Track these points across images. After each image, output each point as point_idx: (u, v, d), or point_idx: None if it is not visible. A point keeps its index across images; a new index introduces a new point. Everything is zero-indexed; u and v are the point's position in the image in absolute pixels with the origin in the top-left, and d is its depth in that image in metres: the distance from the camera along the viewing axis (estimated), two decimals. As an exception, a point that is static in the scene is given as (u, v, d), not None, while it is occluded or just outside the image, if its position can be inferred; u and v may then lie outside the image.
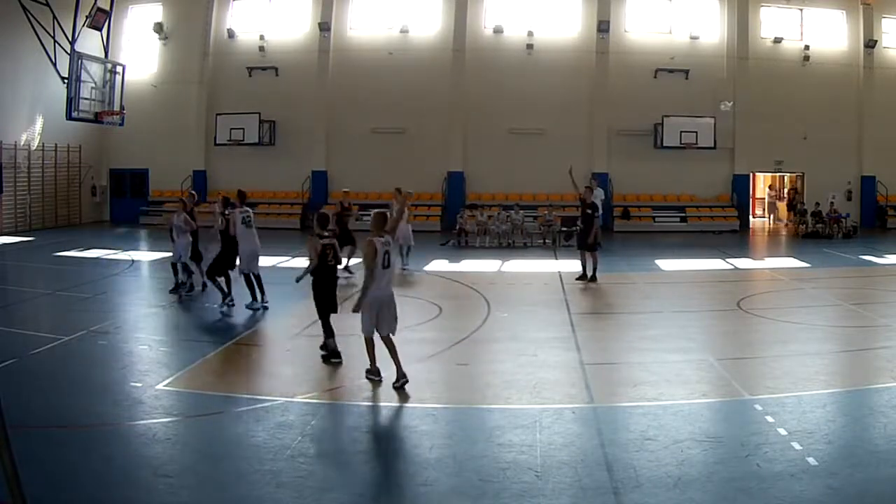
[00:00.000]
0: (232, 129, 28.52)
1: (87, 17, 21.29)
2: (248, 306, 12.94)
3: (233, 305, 13.05)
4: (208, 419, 7.60)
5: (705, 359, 9.79)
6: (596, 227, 15.83)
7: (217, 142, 28.88)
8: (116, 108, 22.60)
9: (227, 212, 13.25)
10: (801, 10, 28.76)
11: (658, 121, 27.87)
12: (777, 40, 28.53)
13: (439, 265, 18.51)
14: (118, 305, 14.23)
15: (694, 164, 28.22)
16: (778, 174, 30.94)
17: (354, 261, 16.23)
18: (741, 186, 28.86)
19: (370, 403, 8.16)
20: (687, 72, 28.15)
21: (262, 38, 29.27)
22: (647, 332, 11.55)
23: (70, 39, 20.71)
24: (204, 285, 14.20)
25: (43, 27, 20.47)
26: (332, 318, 9.72)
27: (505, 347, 10.54)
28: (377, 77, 28.40)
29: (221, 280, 13.20)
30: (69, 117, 21.28)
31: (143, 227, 28.06)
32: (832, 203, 26.75)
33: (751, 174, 29.83)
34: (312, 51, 28.95)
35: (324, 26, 28.62)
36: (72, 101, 20.77)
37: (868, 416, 7.58)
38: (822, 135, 27.88)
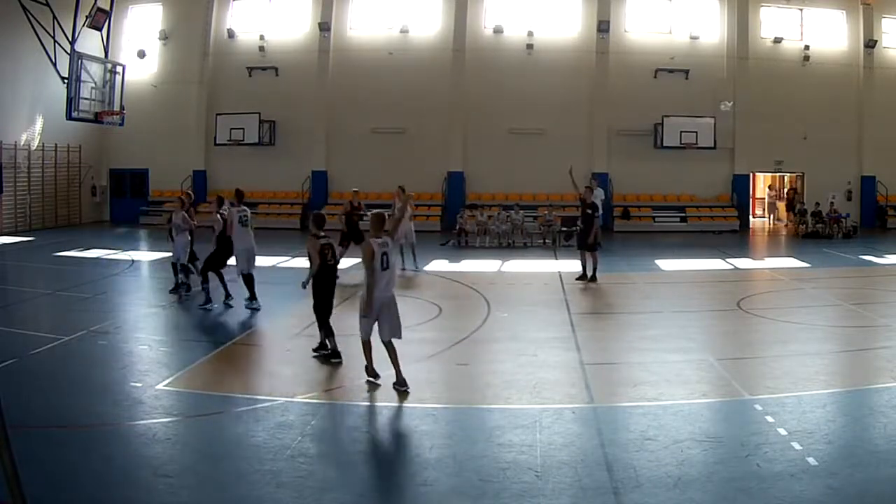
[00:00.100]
0: (232, 129, 28.51)
1: (87, 17, 21.28)
2: (247, 305, 12.97)
3: (231, 306, 13.07)
4: (208, 419, 7.61)
5: (705, 359, 9.79)
6: (596, 227, 15.83)
7: (217, 142, 28.88)
8: (116, 108, 22.60)
9: (221, 211, 13.28)
10: (801, 10, 28.75)
11: (658, 121, 27.87)
12: (777, 40, 28.53)
13: (439, 265, 18.51)
14: (118, 305, 14.22)
15: (694, 164, 28.22)
16: (778, 174, 30.94)
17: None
18: (741, 186, 28.86)
19: (370, 403, 8.16)
20: (687, 72, 28.15)
21: (262, 38, 29.27)
22: (647, 332, 11.54)
23: (70, 39, 20.71)
24: (190, 287, 14.20)
25: (43, 27, 20.46)
26: (332, 317, 9.74)
27: (505, 347, 10.54)
28: (377, 77, 28.40)
29: (215, 279, 13.21)
30: (69, 117, 21.28)
31: (143, 227, 28.06)
32: (832, 203, 26.75)
33: (751, 174, 29.83)
34: (312, 51, 28.95)
35: (324, 26, 28.62)
36: (72, 101, 20.77)
37: (868, 416, 7.58)
38: (822, 135, 27.87)
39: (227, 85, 29.55)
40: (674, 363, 9.58)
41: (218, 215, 13.23)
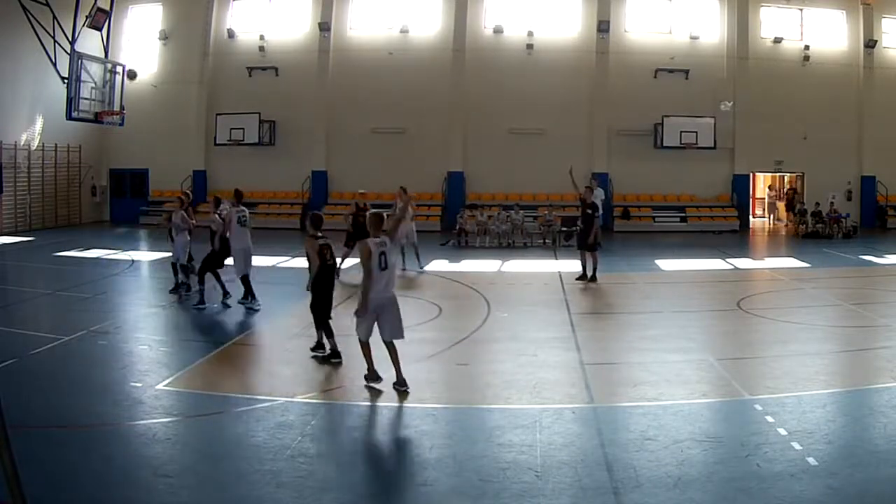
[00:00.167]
0: (232, 129, 28.52)
1: (87, 17, 21.28)
2: (246, 305, 13.00)
3: (229, 306, 13.12)
4: (208, 419, 7.60)
5: (705, 359, 9.79)
6: (596, 227, 15.83)
7: (217, 142, 28.88)
8: (116, 108, 22.60)
9: (219, 211, 13.31)
10: (801, 10, 28.76)
11: (658, 121, 27.87)
12: (777, 40, 28.53)
13: (439, 265, 18.51)
14: (118, 305, 14.22)
15: (694, 164, 28.23)
16: (778, 174, 30.94)
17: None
18: (741, 186, 28.86)
19: (370, 403, 8.15)
20: (687, 72, 28.15)
21: (262, 38, 29.27)
22: (647, 332, 11.54)
23: (70, 39, 20.71)
24: (190, 286, 14.21)
25: (43, 27, 20.46)
26: (331, 317, 9.74)
27: (505, 347, 10.54)
28: (377, 77, 28.40)
29: (211, 279, 13.24)
30: (69, 117, 21.28)
31: (143, 227, 28.05)
32: (832, 203, 26.75)
33: (751, 174, 29.84)
34: (312, 51, 28.95)
35: (324, 26, 28.62)
36: (72, 101, 20.77)
37: (868, 416, 7.58)
38: (822, 135, 27.88)
39: (227, 85, 29.55)
40: (674, 363, 9.58)
41: (216, 216, 13.26)
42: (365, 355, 8.41)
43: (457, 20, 28.39)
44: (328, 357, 9.60)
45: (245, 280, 13.06)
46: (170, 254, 14.84)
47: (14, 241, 23.25)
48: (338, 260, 12.35)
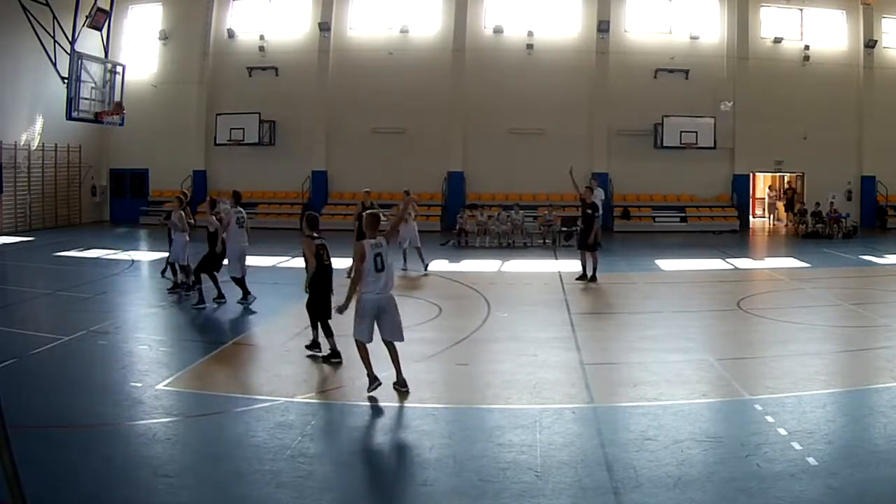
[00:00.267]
0: (232, 129, 28.52)
1: (87, 17, 21.26)
2: (244, 305, 13.03)
3: (224, 302, 13.17)
4: (208, 419, 7.61)
5: (705, 359, 9.79)
6: (596, 227, 15.83)
7: (217, 142, 28.89)
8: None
9: (216, 212, 13.36)
10: (801, 10, 28.76)
11: (658, 121, 27.87)
12: (777, 40, 28.53)
13: (439, 265, 18.51)
14: (118, 305, 14.22)
15: (694, 164, 28.23)
16: (778, 174, 30.94)
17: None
18: (741, 186, 28.87)
19: (370, 403, 8.15)
20: (687, 72, 28.16)
21: (262, 38, 29.28)
22: (647, 332, 11.54)
23: (70, 39, 20.69)
24: (189, 286, 14.22)
25: (43, 27, 20.45)
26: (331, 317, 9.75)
27: (505, 347, 10.54)
28: (377, 77, 28.41)
29: (207, 280, 13.28)
30: (69, 117, 21.28)
31: (143, 227, 28.05)
32: (832, 203, 26.75)
33: (751, 174, 29.83)
34: (312, 51, 28.95)
35: (324, 26, 28.62)
36: (72, 101, 20.76)
37: (868, 416, 7.58)
38: (822, 135, 27.87)
39: (227, 85, 29.56)
40: (674, 363, 9.58)
41: (212, 217, 13.31)
42: (362, 357, 8.24)
43: (457, 20, 28.39)
44: (328, 357, 9.60)
45: (240, 280, 13.12)
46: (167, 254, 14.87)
47: (14, 241, 23.25)
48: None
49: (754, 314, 12.90)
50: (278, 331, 11.70)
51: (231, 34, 29.49)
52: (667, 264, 19.26)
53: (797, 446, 6.58)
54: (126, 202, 30.46)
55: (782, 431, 6.95)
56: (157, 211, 27.38)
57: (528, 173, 27.67)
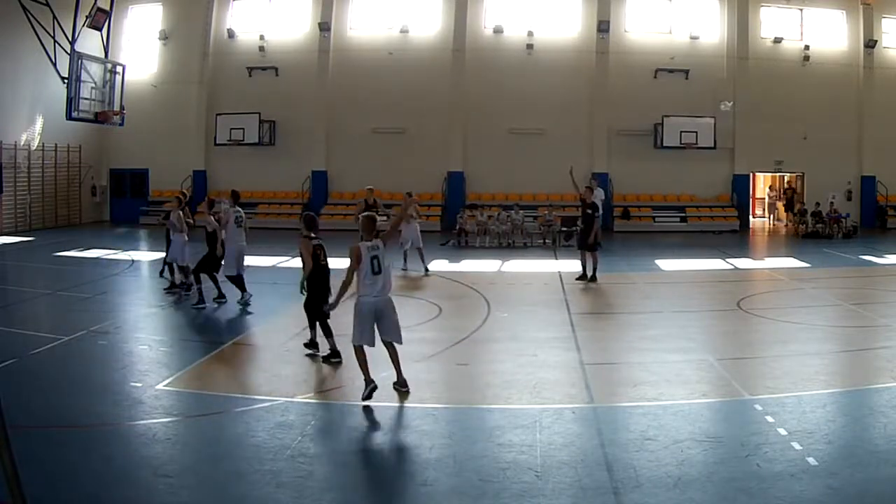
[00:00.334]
0: (232, 129, 28.51)
1: (87, 17, 21.28)
2: (239, 302, 13.07)
3: (224, 302, 13.20)
4: (208, 419, 7.61)
5: (705, 359, 9.79)
6: (596, 227, 15.83)
7: (217, 142, 28.87)
8: (116, 108, 22.59)
9: (214, 212, 13.42)
10: (801, 10, 28.75)
11: (658, 121, 27.87)
12: (777, 40, 28.53)
13: (439, 265, 18.50)
14: (118, 305, 14.23)
15: (694, 164, 28.22)
16: (778, 174, 30.94)
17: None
18: (741, 186, 28.86)
19: (370, 403, 8.14)
20: (687, 72, 28.15)
21: (262, 38, 29.26)
22: (647, 332, 11.54)
23: (70, 39, 20.71)
24: (189, 286, 14.24)
25: (43, 27, 20.46)
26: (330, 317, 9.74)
27: (505, 347, 10.54)
28: (377, 77, 28.40)
29: (208, 281, 13.30)
30: (69, 117, 21.28)
31: (143, 227, 28.05)
32: (832, 203, 26.75)
33: (751, 174, 29.83)
34: (312, 51, 28.95)
35: (324, 26, 28.62)
36: (72, 101, 20.77)
37: (868, 416, 7.58)
38: (822, 135, 27.87)
39: (227, 85, 29.55)
40: (674, 363, 9.58)
41: (210, 217, 13.35)
42: (359, 362, 8.02)
43: (457, 20, 28.39)
44: (328, 357, 9.60)
45: (237, 279, 13.19)
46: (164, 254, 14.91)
47: (14, 241, 23.25)
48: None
49: (754, 314, 12.90)
50: (278, 331, 11.69)
51: (231, 34, 29.48)
52: (667, 264, 19.25)
53: (797, 446, 6.59)
54: (126, 202, 30.45)
55: (782, 431, 6.95)
56: (156, 211, 27.38)
57: (528, 173, 27.66)
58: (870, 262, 19.89)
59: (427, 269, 17.03)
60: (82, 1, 21.19)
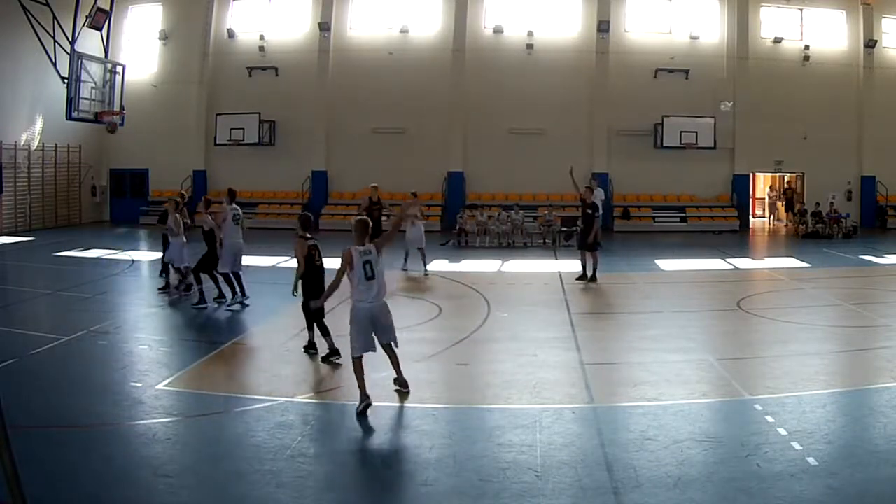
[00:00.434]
0: (232, 129, 28.50)
1: (87, 17, 21.28)
2: (239, 301, 13.07)
3: (223, 301, 13.21)
4: (208, 419, 7.61)
5: (705, 359, 9.79)
6: (596, 227, 15.83)
7: (217, 142, 28.87)
8: (116, 108, 22.59)
9: (210, 211, 13.52)
10: (801, 10, 28.75)
11: (658, 121, 27.87)
12: (777, 40, 28.53)
13: (439, 265, 18.50)
14: (118, 305, 14.23)
15: (694, 164, 28.22)
16: (778, 174, 30.94)
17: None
18: (741, 186, 28.86)
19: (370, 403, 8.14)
20: (687, 72, 28.15)
21: (262, 38, 29.26)
22: (647, 332, 11.55)
23: (70, 39, 20.71)
24: (189, 286, 14.26)
25: (43, 27, 20.46)
26: (329, 317, 9.74)
27: (505, 347, 10.54)
28: (377, 77, 28.40)
29: (208, 280, 13.31)
30: (69, 117, 21.28)
31: (143, 227, 28.04)
32: (832, 203, 26.75)
33: (751, 174, 29.83)
34: (312, 51, 28.95)
35: (324, 26, 28.62)
36: (72, 101, 20.76)
37: (868, 416, 7.58)
38: (822, 135, 27.87)
39: (227, 85, 29.55)
40: (674, 363, 9.58)
41: (207, 216, 13.39)
42: (356, 373, 7.74)
43: (457, 20, 28.39)
44: (327, 356, 9.60)
45: (236, 277, 13.22)
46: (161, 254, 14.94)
47: (14, 241, 23.25)
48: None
49: (754, 314, 12.90)
50: (278, 331, 11.69)
51: (231, 34, 29.48)
52: (667, 264, 19.25)
53: (797, 446, 6.59)
54: (126, 202, 30.45)
55: (782, 431, 6.95)
56: (156, 211, 27.40)
57: (528, 173, 27.66)
58: (870, 262, 19.89)
59: (427, 271, 17.03)
60: (82, 1, 21.19)
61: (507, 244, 23.36)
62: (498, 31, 28.64)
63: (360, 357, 7.80)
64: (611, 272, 16.78)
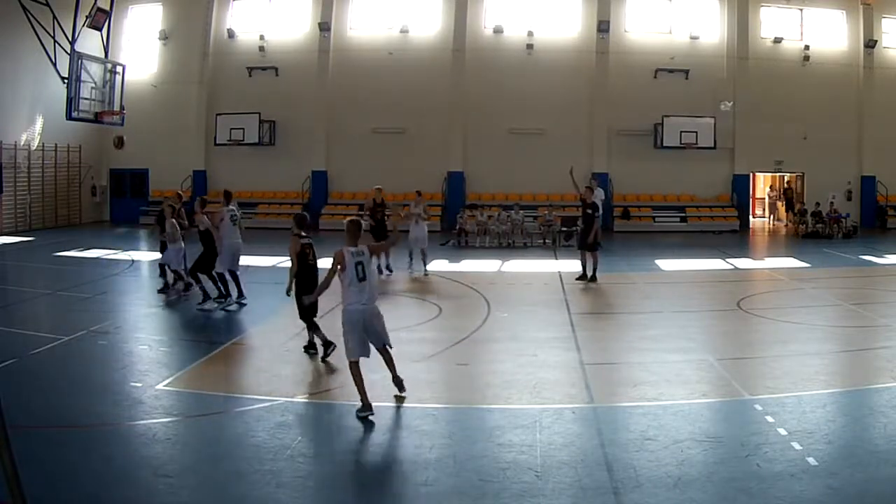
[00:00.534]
0: (232, 129, 28.50)
1: (87, 17, 21.25)
2: (236, 301, 13.10)
3: (223, 302, 13.20)
4: (208, 419, 7.61)
5: (705, 359, 9.79)
6: (596, 226, 15.83)
7: (217, 142, 28.87)
8: (116, 108, 22.57)
9: (206, 211, 13.58)
10: (801, 10, 28.75)
11: (658, 121, 27.87)
12: (777, 40, 28.53)
13: (439, 265, 18.50)
14: (118, 305, 14.23)
15: (694, 164, 28.22)
16: (778, 174, 30.94)
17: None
18: (741, 186, 28.86)
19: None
20: (687, 72, 28.15)
21: (262, 38, 29.26)
22: (647, 332, 11.55)
23: (70, 39, 20.68)
24: (188, 286, 14.27)
25: (43, 27, 20.44)
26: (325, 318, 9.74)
27: (505, 347, 10.54)
28: (377, 77, 28.40)
29: (206, 280, 13.32)
30: (69, 117, 21.27)
31: (143, 227, 28.04)
32: (832, 203, 26.76)
33: (751, 174, 29.83)
34: (312, 51, 28.95)
35: (324, 26, 28.61)
36: (72, 101, 20.75)
37: (868, 416, 7.58)
38: (822, 135, 27.87)
39: (227, 85, 29.54)
40: (674, 363, 9.58)
41: (203, 216, 13.41)
42: (355, 379, 7.62)
43: (457, 20, 28.38)
44: (324, 352, 9.61)
45: (234, 277, 13.24)
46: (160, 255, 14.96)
47: (14, 241, 23.25)
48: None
49: (754, 314, 12.90)
50: (278, 331, 11.69)
51: (231, 34, 29.48)
52: (667, 264, 19.26)
53: (797, 446, 6.59)
54: (126, 202, 30.46)
55: (782, 431, 6.95)
56: (156, 211, 27.39)
57: (528, 173, 27.65)
58: (870, 262, 19.89)
59: (427, 271, 17.03)
60: (82, 1, 21.17)
61: (507, 244, 23.36)
62: (498, 31, 28.64)
63: (356, 361, 7.69)
64: (611, 272, 16.77)
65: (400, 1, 29.02)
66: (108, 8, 21.77)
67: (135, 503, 5.80)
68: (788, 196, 30.26)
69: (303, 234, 10.00)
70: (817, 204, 26.62)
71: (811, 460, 6.29)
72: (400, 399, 8.07)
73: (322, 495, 5.99)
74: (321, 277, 9.21)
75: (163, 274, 14.89)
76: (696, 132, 27.58)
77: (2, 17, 22.22)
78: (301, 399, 8.20)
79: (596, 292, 15.30)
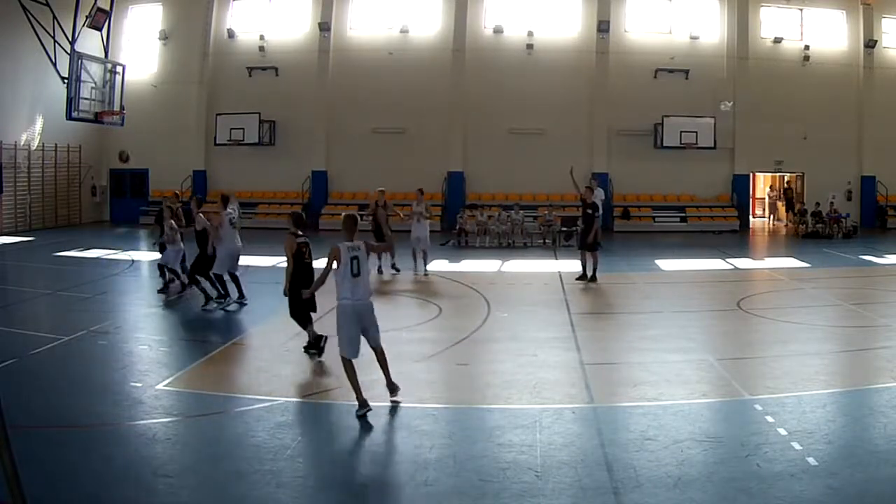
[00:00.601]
0: (232, 129, 28.52)
1: (87, 17, 21.24)
2: (220, 306, 13.11)
3: (223, 302, 13.19)
4: (208, 419, 7.60)
5: (705, 359, 9.79)
6: (596, 226, 15.83)
7: (217, 142, 28.89)
8: (116, 108, 22.57)
9: (200, 210, 13.60)
10: (801, 10, 28.77)
11: (658, 121, 27.87)
12: (777, 40, 28.54)
13: (439, 265, 18.50)
14: (118, 305, 14.23)
15: (694, 164, 28.23)
16: (778, 174, 30.95)
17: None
18: (741, 186, 28.88)
19: (370, 403, 8.13)
20: (687, 72, 28.16)
21: (262, 38, 29.28)
22: (647, 332, 11.54)
23: (70, 39, 20.67)
24: (184, 286, 14.26)
25: (43, 27, 20.43)
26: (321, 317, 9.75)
27: (505, 347, 10.54)
28: (377, 77, 28.41)
29: (205, 282, 13.33)
30: (69, 117, 21.27)
31: (143, 227, 28.03)
32: (832, 203, 26.76)
33: (751, 174, 29.84)
34: (312, 51, 28.95)
35: (324, 26, 28.62)
36: (72, 101, 20.75)
37: (868, 416, 7.58)
38: (822, 135, 27.88)
39: (227, 85, 29.55)
40: (674, 363, 9.58)
41: (200, 215, 13.42)
42: (349, 378, 7.61)
43: (457, 20, 28.39)
44: (318, 346, 9.63)
45: (234, 278, 13.26)
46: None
47: (14, 241, 23.25)
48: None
49: (754, 314, 12.90)
50: (278, 331, 11.67)
51: (231, 34, 29.48)
52: (667, 264, 19.26)
53: (797, 446, 6.58)
54: (126, 202, 30.48)
55: (782, 431, 6.95)
56: (156, 211, 27.38)
57: (528, 173, 27.66)
58: (870, 262, 19.89)
59: (427, 271, 17.03)
60: (82, 1, 21.17)
61: (507, 244, 23.36)
62: (498, 31, 28.65)
63: (350, 360, 7.67)
64: (611, 272, 16.77)
65: (400, 1, 29.02)
66: (108, 8, 21.77)
67: (135, 503, 5.80)
68: (788, 196, 30.28)
69: (299, 232, 10.00)
70: (817, 204, 26.63)
71: (811, 460, 6.29)
72: (394, 401, 7.99)
73: (322, 495, 5.99)
74: (316, 276, 9.27)
75: (162, 274, 14.91)
76: (696, 132, 27.60)
77: (2, 17, 22.22)
78: (301, 399, 8.19)
79: (596, 292, 15.30)
